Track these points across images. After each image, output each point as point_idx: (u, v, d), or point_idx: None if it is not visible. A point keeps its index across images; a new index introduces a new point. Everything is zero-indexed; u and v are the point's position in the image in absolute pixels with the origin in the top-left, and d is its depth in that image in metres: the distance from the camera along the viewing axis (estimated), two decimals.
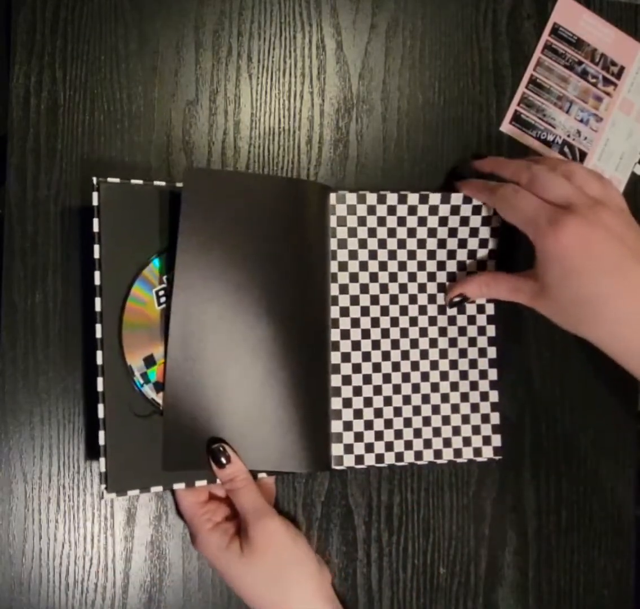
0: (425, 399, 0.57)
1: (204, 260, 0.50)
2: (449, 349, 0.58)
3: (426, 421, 0.57)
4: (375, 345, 0.56)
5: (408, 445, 0.56)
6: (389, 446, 0.56)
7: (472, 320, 0.58)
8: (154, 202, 0.50)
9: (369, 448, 0.55)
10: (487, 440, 0.58)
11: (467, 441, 0.57)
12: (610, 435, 0.62)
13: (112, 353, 0.49)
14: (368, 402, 0.56)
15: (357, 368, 0.56)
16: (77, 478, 0.53)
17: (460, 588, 0.59)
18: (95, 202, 0.49)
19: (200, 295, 0.50)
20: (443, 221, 0.57)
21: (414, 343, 0.57)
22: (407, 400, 0.56)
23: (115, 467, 0.49)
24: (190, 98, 0.56)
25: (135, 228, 0.50)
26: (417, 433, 0.56)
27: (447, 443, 0.57)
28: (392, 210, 0.56)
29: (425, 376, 0.57)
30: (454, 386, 0.57)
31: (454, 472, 0.59)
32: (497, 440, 0.58)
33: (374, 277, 0.56)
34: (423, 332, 0.57)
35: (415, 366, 0.57)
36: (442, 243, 0.57)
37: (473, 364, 0.58)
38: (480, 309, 0.58)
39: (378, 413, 0.56)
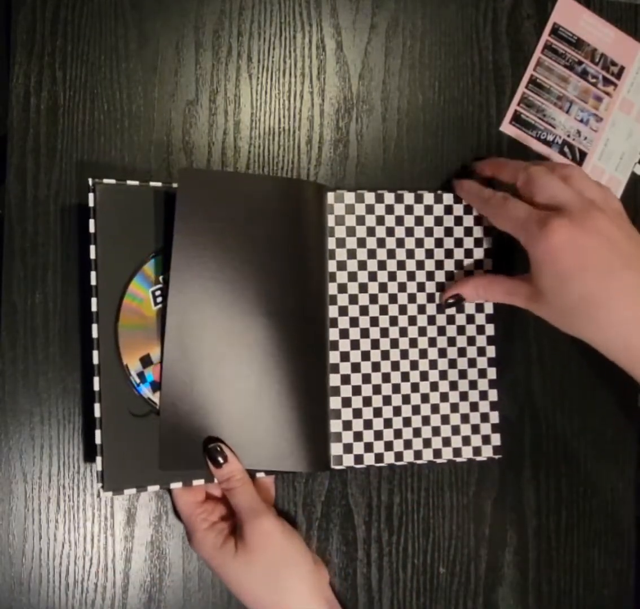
0: (425, 398, 0.57)
1: (200, 260, 0.50)
2: (448, 348, 0.58)
3: (425, 420, 0.57)
4: (374, 344, 0.56)
5: (407, 445, 0.56)
6: (389, 446, 0.56)
7: (471, 318, 0.58)
8: (149, 202, 0.51)
9: (369, 447, 0.55)
10: (486, 439, 0.58)
11: (466, 441, 0.57)
12: (610, 434, 0.62)
13: (109, 353, 0.49)
14: (367, 401, 0.56)
15: (356, 368, 0.56)
16: (77, 478, 0.53)
17: (460, 588, 0.59)
18: (91, 203, 0.49)
19: (196, 295, 0.50)
20: (438, 220, 0.57)
21: (413, 342, 0.57)
22: (406, 399, 0.56)
23: (112, 466, 0.49)
24: (190, 98, 0.56)
25: (131, 229, 0.50)
26: (417, 432, 0.56)
27: (446, 442, 0.57)
28: (390, 209, 0.56)
29: (424, 375, 0.57)
30: (453, 386, 0.57)
31: (454, 472, 0.59)
32: (496, 439, 0.58)
33: (372, 276, 0.56)
34: (422, 331, 0.57)
35: (414, 365, 0.57)
36: (439, 243, 0.58)
37: (472, 363, 0.58)
38: (479, 308, 0.58)
39: (377, 412, 0.56)
